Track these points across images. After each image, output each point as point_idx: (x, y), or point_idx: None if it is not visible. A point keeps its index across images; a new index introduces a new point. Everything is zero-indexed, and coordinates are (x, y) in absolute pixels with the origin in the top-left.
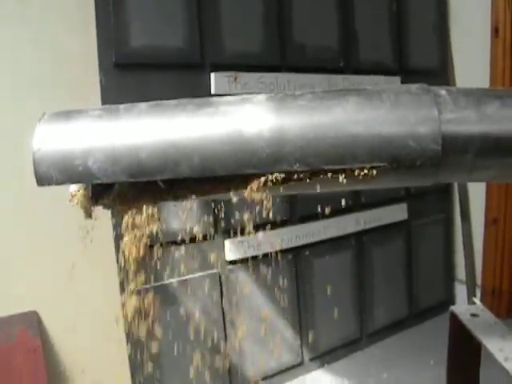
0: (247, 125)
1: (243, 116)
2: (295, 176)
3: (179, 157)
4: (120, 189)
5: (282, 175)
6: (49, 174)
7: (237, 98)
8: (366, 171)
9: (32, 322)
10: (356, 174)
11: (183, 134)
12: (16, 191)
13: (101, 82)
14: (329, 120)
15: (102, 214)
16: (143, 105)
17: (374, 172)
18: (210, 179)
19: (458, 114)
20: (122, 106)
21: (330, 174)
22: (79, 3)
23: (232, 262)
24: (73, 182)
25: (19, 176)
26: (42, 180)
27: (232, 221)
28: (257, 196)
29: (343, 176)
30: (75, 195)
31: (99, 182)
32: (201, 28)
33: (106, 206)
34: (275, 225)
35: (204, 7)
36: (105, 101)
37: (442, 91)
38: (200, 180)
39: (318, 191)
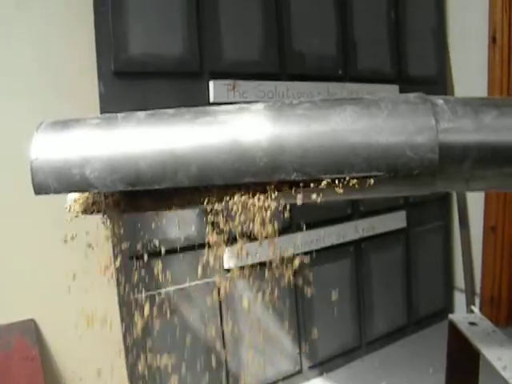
0: (245, 134)
1: (241, 125)
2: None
3: (177, 166)
4: (114, 197)
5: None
6: (46, 183)
7: (235, 107)
8: (363, 180)
9: (29, 330)
10: (354, 183)
11: (181, 143)
12: (13, 199)
13: (99, 90)
14: (327, 129)
15: (100, 222)
16: (141, 113)
17: (372, 181)
18: (205, 189)
19: (456, 124)
20: (120, 115)
21: (327, 183)
22: (78, 11)
23: (230, 270)
24: (70, 191)
25: (17, 184)
26: (40, 189)
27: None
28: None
29: (341, 185)
30: (73, 204)
31: (96, 191)
32: (200, 36)
33: (99, 213)
34: None
35: (203, 15)
36: (103, 109)
37: (440, 100)
38: (194, 189)
39: (316, 200)
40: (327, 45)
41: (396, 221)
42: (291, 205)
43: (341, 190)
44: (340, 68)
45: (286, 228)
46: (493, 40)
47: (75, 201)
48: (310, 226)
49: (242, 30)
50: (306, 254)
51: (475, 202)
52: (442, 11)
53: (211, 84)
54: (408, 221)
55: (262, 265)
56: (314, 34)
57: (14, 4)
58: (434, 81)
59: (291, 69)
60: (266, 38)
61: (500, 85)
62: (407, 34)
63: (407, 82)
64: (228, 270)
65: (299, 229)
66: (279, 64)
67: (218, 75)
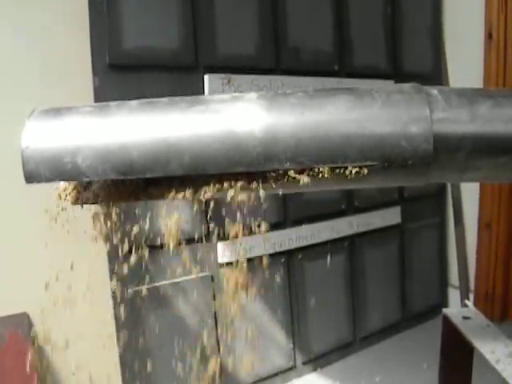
0: (239, 123)
1: (235, 114)
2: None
3: (170, 155)
4: (103, 185)
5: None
6: (37, 172)
7: (228, 96)
8: (357, 170)
9: (22, 324)
10: (347, 172)
11: (174, 132)
12: (4, 190)
13: (94, 82)
14: (320, 118)
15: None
16: (134, 102)
17: (366, 171)
18: (200, 178)
19: (450, 114)
20: (112, 103)
21: (320, 173)
22: (73, 4)
23: (224, 265)
24: (62, 180)
25: (8, 175)
26: (31, 177)
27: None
28: (242, 197)
29: (334, 175)
30: (63, 192)
31: (88, 179)
32: (195, 30)
33: (89, 202)
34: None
35: (198, 9)
36: (98, 102)
37: (434, 90)
38: (188, 179)
39: (309, 191)
40: (323, 40)
41: (390, 216)
42: (285, 199)
43: (334, 180)
44: (336, 63)
45: (280, 223)
46: (489, 36)
47: (65, 190)
48: (303, 221)
49: (238, 24)
50: (299, 249)
51: (470, 198)
52: (438, 7)
53: (206, 78)
54: (403, 217)
55: (256, 259)
56: (309, 29)
57: None
58: (430, 76)
59: (286, 63)
60: (262, 32)
61: (496, 80)
62: (403, 29)
63: (403, 78)
64: (223, 265)
65: (293, 224)
66: (275, 58)
67: (213, 69)
